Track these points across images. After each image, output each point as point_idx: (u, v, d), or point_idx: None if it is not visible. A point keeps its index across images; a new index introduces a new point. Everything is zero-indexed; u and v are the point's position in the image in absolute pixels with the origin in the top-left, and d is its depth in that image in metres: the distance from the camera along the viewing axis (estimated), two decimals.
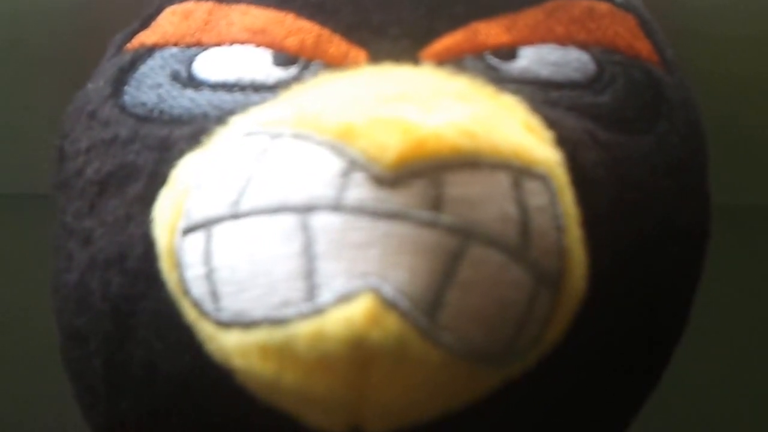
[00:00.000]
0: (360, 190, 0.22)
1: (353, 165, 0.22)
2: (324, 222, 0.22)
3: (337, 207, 0.22)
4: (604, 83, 0.28)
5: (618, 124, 0.27)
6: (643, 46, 0.29)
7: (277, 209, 0.22)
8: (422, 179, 0.22)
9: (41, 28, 0.38)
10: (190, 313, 0.24)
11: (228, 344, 0.23)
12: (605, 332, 0.26)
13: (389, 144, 0.22)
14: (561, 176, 0.24)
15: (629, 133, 0.27)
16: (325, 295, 0.22)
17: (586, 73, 0.28)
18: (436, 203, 0.22)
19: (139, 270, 0.26)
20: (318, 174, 0.22)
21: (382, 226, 0.22)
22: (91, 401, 0.28)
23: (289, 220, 0.22)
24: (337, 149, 0.22)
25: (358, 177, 0.22)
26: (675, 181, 0.28)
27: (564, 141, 0.25)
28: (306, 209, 0.22)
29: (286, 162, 0.23)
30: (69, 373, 0.29)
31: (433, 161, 0.22)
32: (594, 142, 0.26)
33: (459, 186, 0.22)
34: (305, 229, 0.22)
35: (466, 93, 0.25)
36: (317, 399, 0.23)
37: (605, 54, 0.28)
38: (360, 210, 0.22)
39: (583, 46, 0.28)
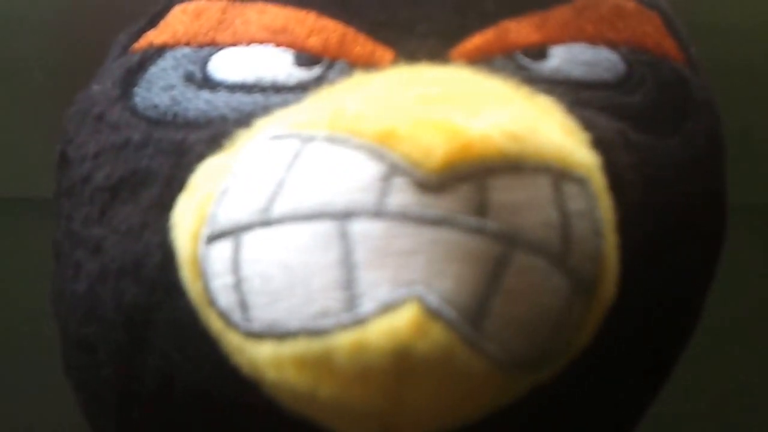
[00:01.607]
0: (403, 195, 0.21)
1: (394, 169, 0.21)
2: (364, 229, 0.21)
3: (378, 213, 0.21)
4: (634, 83, 0.27)
5: (647, 125, 0.27)
6: (670, 45, 0.29)
7: (312, 216, 0.22)
8: (467, 184, 0.21)
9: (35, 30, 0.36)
10: (215, 324, 0.23)
11: (260, 356, 0.22)
12: (630, 335, 0.26)
13: (434, 147, 0.21)
14: (599, 180, 0.24)
15: (657, 134, 0.27)
16: (366, 305, 0.21)
17: (616, 74, 0.27)
18: (482, 209, 0.21)
19: (156, 279, 0.25)
20: (357, 179, 0.21)
21: (428, 233, 0.21)
22: (99, 411, 0.28)
23: (326, 227, 0.21)
24: (376, 153, 0.21)
25: (400, 182, 0.21)
26: (698, 182, 0.28)
27: (599, 143, 0.25)
28: (344, 215, 0.21)
29: (321, 166, 0.22)
30: (73, 381, 0.28)
31: (478, 165, 0.21)
32: (626, 144, 0.26)
33: (504, 191, 0.22)
34: (344, 236, 0.21)
35: (505, 95, 0.24)
36: (353, 411, 0.22)
37: (634, 54, 0.28)
38: (403, 216, 0.21)
39: (612, 45, 0.28)
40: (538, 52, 0.27)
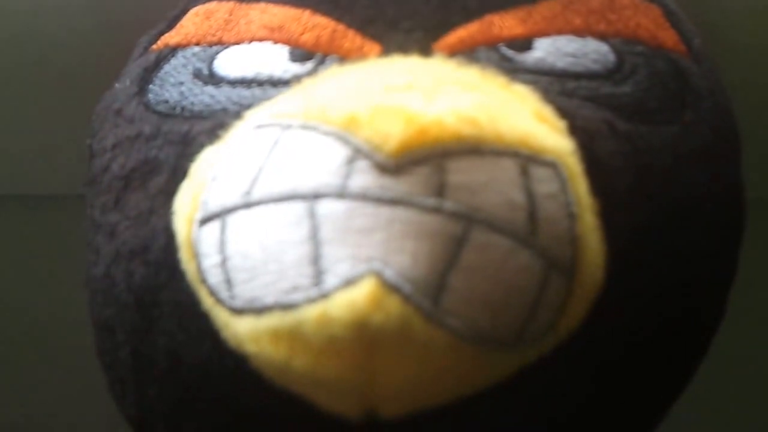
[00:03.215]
0: (364, 178, 0.22)
1: (357, 153, 0.23)
2: (329, 209, 0.22)
3: (341, 194, 0.22)
4: (624, 74, 0.28)
5: (640, 115, 0.27)
6: (669, 36, 0.29)
7: (285, 197, 0.23)
8: (425, 166, 0.22)
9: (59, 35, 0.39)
10: (207, 302, 0.25)
11: (241, 330, 0.23)
12: (625, 324, 0.26)
13: (391, 132, 0.22)
14: (573, 164, 0.24)
15: (652, 124, 0.27)
16: (330, 280, 0.22)
17: (605, 64, 0.28)
18: (439, 190, 0.22)
19: (161, 261, 0.26)
20: (324, 163, 0.23)
21: (386, 212, 0.22)
22: (122, 391, 0.29)
23: (297, 208, 0.23)
24: (342, 139, 0.23)
25: (362, 165, 0.22)
26: (704, 170, 0.27)
27: (578, 130, 0.25)
28: (313, 197, 0.23)
29: (294, 152, 0.23)
30: (102, 365, 0.30)
31: (435, 149, 0.22)
32: (612, 132, 0.26)
33: (461, 173, 0.22)
34: (312, 216, 0.23)
35: (475, 82, 0.25)
36: (328, 382, 0.23)
37: (626, 45, 0.28)
38: (364, 197, 0.22)
39: (601, 37, 0.28)
40: (523, 44, 0.28)
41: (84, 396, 0.39)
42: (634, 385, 0.27)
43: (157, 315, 0.27)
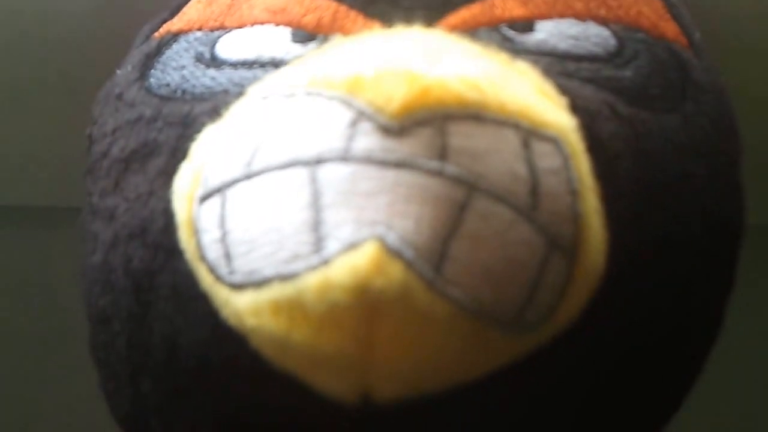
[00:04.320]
0: (367, 140, 0.22)
1: (361, 116, 0.22)
2: (332, 172, 0.22)
3: (345, 157, 0.22)
4: (626, 58, 0.28)
5: (640, 100, 0.27)
6: (670, 28, 0.29)
7: (287, 164, 0.23)
8: (427, 128, 0.22)
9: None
10: (206, 280, 0.24)
11: (241, 305, 0.23)
12: (626, 314, 0.25)
13: (394, 94, 0.22)
14: (575, 142, 0.24)
15: (652, 110, 0.27)
16: (332, 246, 0.22)
17: (606, 48, 0.28)
18: (442, 153, 0.22)
19: (159, 243, 0.26)
20: (327, 127, 0.23)
21: (390, 175, 0.22)
22: (115, 387, 0.28)
23: (299, 174, 0.22)
24: (345, 102, 0.23)
25: (366, 127, 0.22)
26: (703, 163, 0.27)
27: (579, 109, 0.25)
28: (315, 162, 0.22)
29: (297, 119, 0.23)
30: (96, 361, 0.29)
31: (437, 110, 0.22)
32: (613, 114, 0.26)
33: (464, 137, 0.22)
34: (314, 181, 0.22)
35: (477, 52, 0.25)
36: (326, 358, 0.23)
37: (627, 31, 0.28)
38: (368, 159, 0.22)
39: (602, 22, 0.28)
40: (524, 26, 0.28)
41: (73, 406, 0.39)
42: (634, 384, 0.27)
43: (155, 299, 0.26)
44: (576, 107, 0.25)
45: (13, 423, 0.44)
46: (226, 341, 0.24)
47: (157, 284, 0.26)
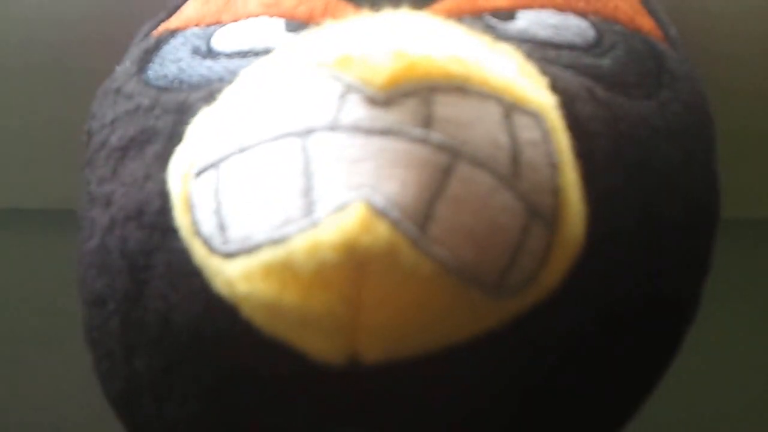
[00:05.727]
0: (355, 110, 0.23)
1: (348, 89, 0.24)
2: (321, 141, 0.23)
3: (333, 127, 0.23)
4: (604, 48, 0.29)
5: (618, 86, 0.28)
6: (646, 22, 0.30)
7: (280, 135, 0.24)
8: (413, 99, 0.23)
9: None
10: (199, 254, 0.25)
11: (233, 272, 0.24)
12: (604, 286, 0.26)
13: (381, 67, 0.23)
14: (554, 118, 0.25)
15: (629, 97, 0.28)
16: (321, 209, 0.23)
17: (585, 38, 0.29)
18: (427, 121, 0.23)
19: (155, 224, 0.27)
20: (317, 100, 0.24)
21: (376, 142, 0.23)
22: (109, 366, 0.29)
23: (290, 143, 0.23)
24: (335, 77, 0.24)
25: (354, 98, 0.23)
26: (679, 148, 0.28)
27: (559, 90, 0.26)
28: (306, 132, 0.23)
29: (288, 95, 0.24)
30: (90, 345, 0.29)
31: (423, 82, 0.23)
32: (591, 97, 0.27)
33: (448, 107, 0.23)
34: (304, 149, 0.23)
35: (461, 33, 0.26)
36: (316, 319, 0.23)
37: (605, 23, 0.29)
38: (355, 128, 0.23)
39: (581, 14, 0.29)
40: (506, 14, 0.29)
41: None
42: (610, 357, 0.27)
43: (149, 278, 0.27)
44: (556, 88, 0.26)
45: (13, 422, 0.45)
46: (218, 314, 0.25)
47: (152, 263, 0.27)
